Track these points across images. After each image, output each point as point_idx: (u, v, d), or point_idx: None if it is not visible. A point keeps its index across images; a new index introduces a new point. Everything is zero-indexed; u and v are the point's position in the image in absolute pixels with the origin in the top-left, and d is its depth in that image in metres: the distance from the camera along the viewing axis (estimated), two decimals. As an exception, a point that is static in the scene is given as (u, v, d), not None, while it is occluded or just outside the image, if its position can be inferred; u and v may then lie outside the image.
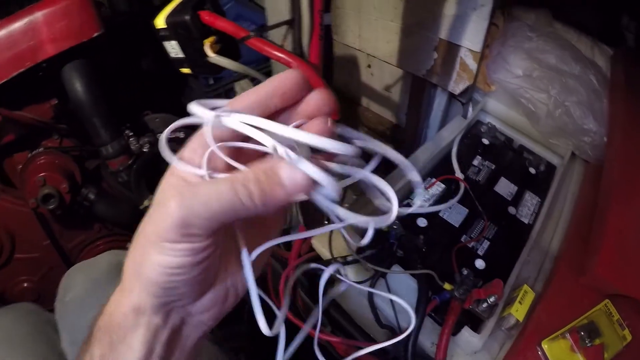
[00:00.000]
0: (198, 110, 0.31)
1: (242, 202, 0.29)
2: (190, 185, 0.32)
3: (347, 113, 1.74)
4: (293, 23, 0.83)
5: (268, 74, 0.95)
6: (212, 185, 0.29)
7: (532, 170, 1.15)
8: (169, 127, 0.35)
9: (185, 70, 0.89)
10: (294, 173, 0.29)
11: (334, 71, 1.70)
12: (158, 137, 1.33)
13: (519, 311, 0.77)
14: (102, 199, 1.30)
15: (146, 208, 1.23)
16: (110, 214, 1.33)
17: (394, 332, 0.82)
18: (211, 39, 0.80)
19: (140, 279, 0.31)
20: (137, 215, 1.35)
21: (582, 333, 0.73)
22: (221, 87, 1.64)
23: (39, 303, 0.94)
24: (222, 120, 0.30)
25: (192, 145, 0.34)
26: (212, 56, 0.80)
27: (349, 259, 0.86)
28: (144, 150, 1.29)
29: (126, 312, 0.32)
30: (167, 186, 0.34)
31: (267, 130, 0.30)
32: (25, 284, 1.33)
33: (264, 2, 0.94)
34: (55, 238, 1.32)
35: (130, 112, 1.38)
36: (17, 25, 1.01)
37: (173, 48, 0.85)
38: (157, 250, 0.30)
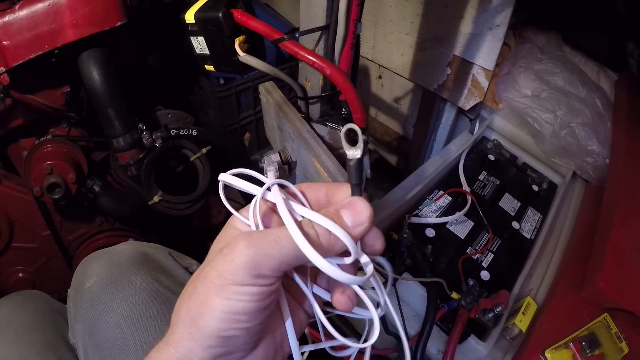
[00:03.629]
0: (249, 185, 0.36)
1: (307, 247, 0.30)
2: (258, 233, 0.32)
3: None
4: (327, 29, 0.84)
5: (291, 75, 0.96)
6: (279, 231, 0.31)
7: (535, 188, 1.19)
8: (223, 179, 0.37)
9: (209, 68, 0.90)
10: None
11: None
12: (172, 133, 1.34)
13: (522, 322, 0.81)
14: (107, 192, 1.29)
15: (155, 204, 1.27)
16: (114, 207, 1.32)
17: (399, 339, 0.84)
18: (241, 38, 0.81)
19: (196, 327, 0.31)
20: (141, 210, 1.35)
21: (584, 343, 0.76)
22: (232, 87, 1.65)
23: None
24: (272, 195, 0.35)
25: (248, 207, 0.36)
26: (242, 55, 0.80)
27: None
28: (156, 145, 1.29)
29: None
30: (225, 235, 0.36)
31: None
32: (21, 274, 1.29)
33: (286, 7, 0.95)
34: (55, 229, 1.29)
35: (143, 107, 1.39)
36: (40, 6, 0.97)
37: (199, 44, 0.86)
38: (222, 295, 0.30)
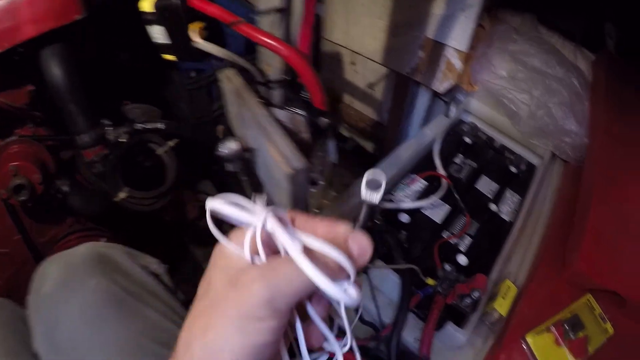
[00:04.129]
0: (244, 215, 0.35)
1: (320, 277, 0.31)
2: (269, 267, 0.33)
3: (328, 109, 1.72)
4: (284, 11, 0.81)
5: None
6: (291, 264, 0.32)
7: (513, 169, 1.16)
8: (212, 206, 0.36)
9: (169, 57, 0.87)
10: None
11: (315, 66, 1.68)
12: (136, 127, 1.29)
13: (502, 306, 0.77)
14: (75, 191, 1.23)
15: (121, 200, 1.23)
16: (83, 207, 1.26)
17: (375, 329, 0.81)
18: (199, 24, 0.78)
19: None
20: (110, 208, 1.29)
21: (566, 326, 0.73)
22: (203, 79, 1.60)
23: (8, 302, 0.89)
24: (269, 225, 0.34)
25: (237, 234, 0.36)
26: (198, 41, 0.77)
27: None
28: (121, 140, 1.24)
29: None
30: (215, 265, 0.36)
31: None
32: (-5, 282, 1.22)
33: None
34: (26, 232, 1.23)
35: (109, 103, 1.33)
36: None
37: (158, 33, 0.83)
38: (243, 331, 0.31)
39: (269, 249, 0.35)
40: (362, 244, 0.36)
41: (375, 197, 0.38)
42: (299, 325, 0.36)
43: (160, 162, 1.39)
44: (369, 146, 1.73)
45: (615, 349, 0.75)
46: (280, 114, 0.76)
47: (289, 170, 0.60)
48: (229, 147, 0.78)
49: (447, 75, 1.22)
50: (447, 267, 0.84)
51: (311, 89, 0.71)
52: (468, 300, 0.75)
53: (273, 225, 0.34)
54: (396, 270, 0.81)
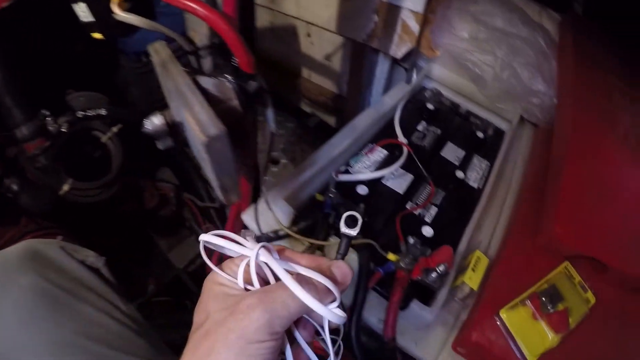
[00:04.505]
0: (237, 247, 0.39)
1: (311, 300, 0.36)
2: (265, 293, 0.36)
3: (287, 85, 1.64)
4: None
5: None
6: (285, 290, 0.36)
7: (480, 135, 1.08)
8: (206, 239, 0.40)
9: (97, 35, 0.84)
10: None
11: (271, 42, 1.59)
12: (79, 115, 1.21)
13: (472, 279, 0.69)
14: (25, 189, 1.16)
15: (65, 193, 1.19)
16: (34, 204, 1.19)
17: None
18: None
19: None
20: (61, 203, 1.22)
21: (544, 299, 0.65)
22: (149, 63, 1.50)
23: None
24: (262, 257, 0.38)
25: (228, 265, 0.40)
26: (119, 14, 0.68)
27: (281, 233, 0.74)
28: (63, 130, 1.17)
29: None
30: (210, 295, 0.39)
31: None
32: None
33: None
34: None
35: (53, 92, 1.24)
36: None
37: (83, 11, 0.80)
38: (242, 353, 0.33)
39: (260, 278, 0.39)
40: (343, 270, 0.41)
41: (353, 232, 0.43)
42: (288, 349, 0.39)
43: (106, 151, 1.31)
44: (331, 121, 1.65)
45: (598, 320, 0.67)
46: (207, 82, 0.66)
47: (204, 138, 0.50)
48: (152, 122, 0.68)
49: (404, 39, 1.14)
50: (411, 240, 0.75)
51: (236, 51, 0.63)
52: (434, 275, 0.66)
53: (266, 257, 0.38)
54: (353, 247, 0.72)
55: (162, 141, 0.70)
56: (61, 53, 1.39)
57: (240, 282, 0.39)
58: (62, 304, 0.65)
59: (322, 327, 0.40)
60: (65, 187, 1.19)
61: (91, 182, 1.25)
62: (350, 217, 0.44)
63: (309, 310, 0.37)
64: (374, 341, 0.79)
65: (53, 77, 1.33)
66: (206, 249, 0.41)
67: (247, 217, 0.80)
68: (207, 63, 0.86)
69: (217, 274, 0.40)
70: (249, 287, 0.39)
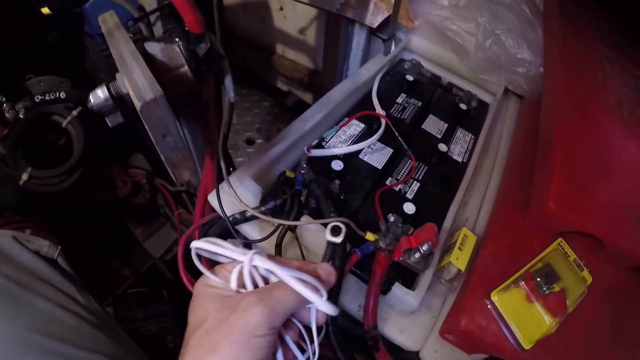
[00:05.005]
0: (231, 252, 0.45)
1: (301, 298, 0.42)
2: (263, 292, 0.42)
3: (261, 63, 1.57)
4: None
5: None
6: (283, 287, 0.42)
7: (463, 106, 1.02)
8: (197, 246, 0.46)
9: (45, 10, 0.84)
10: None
11: (242, 17, 1.51)
12: (37, 100, 1.16)
13: (459, 259, 0.62)
14: None
15: (25, 182, 1.14)
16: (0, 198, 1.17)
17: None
18: None
19: None
20: (24, 194, 1.18)
21: (539, 279, 0.58)
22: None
23: None
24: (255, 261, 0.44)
25: (221, 270, 0.46)
26: None
27: (248, 214, 0.67)
28: (21, 117, 1.12)
29: None
30: (205, 297, 0.43)
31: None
32: None
33: None
34: None
35: (11, 78, 1.18)
36: None
37: None
38: (246, 347, 0.38)
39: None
40: (327, 270, 0.48)
41: (337, 239, 0.50)
42: (279, 351, 0.43)
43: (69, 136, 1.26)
44: (308, 98, 1.59)
45: (597, 299, 0.62)
46: (155, 47, 0.58)
47: (139, 103, 0.42)
48: (96, 96, 0.59)
49: (379, 7, 1.06)
50: (392, 218, 0.68)
51: (180, 9, 0.55)
52: (417, 255, 0.59)
53: (261, 261, 0.43)
54: (325, 226, 0.65)
55: (111, 117, 0.62)
56: (22, 37, 1.31)
57: (233, 284, 0.44)
58: (14, 298, 0.62)
59: (308, 326, 0.46)
60: (24, 177, 1.13)
61: (51, 170, 1.18)
62: (335, 227, 0.52)
63: (301, 307, 0.44)
64: (356, 328, 0.74)
65: (11, 62, 1.25)
66: (196, 254, 0.47)
67: (213, 198, 0.72)
68: (158, 30, 0.78)
69: (209, 277, 0.45)
70: (241, 289, 0.44)
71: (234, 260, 0.45)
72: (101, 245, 1.43)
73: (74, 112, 1.21)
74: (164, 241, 1.52)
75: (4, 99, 1.09)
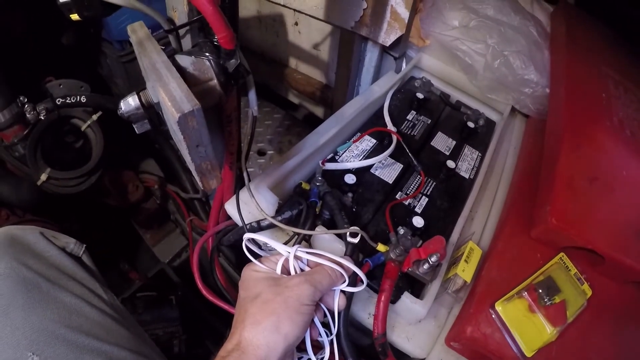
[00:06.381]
0: (278, 246, 0.57)
1: (333, 280, 0.54)
2: (308, 274, 0.54)
3: (274, 76, 1.61)
4: None
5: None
6: (321, 272, 0.54)
7: (471, 125, 1.05)
8: (250, 237, 0.61)
9: (74, 17, 0.81)
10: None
11: (257, 31, 1.55)
12: (58, 102, 1.18)
13: (465, 271, 0.65)
14: (4, 179, 1.16)
15: (44, 183, 1.16)
16: (14, 196, 1.18)
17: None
18: None
19: (281, 334, 0.48)
20: (40, 194, 1.20)
21: (540, 291, 0.62)
22: (133, 52, 1.45)
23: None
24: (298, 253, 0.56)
25: (266, 260, 0.57)
26: None
27: (264, 223, 0.71)
28: (41, 118, 1.14)
29: None
30: (257, 278, 0.54)
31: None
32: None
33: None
34: None
35: (30, 80, 1.20)
36: None
37: None
38: (297, 312, 0.49)
39: (285, 269, 0.56)
40: (348, 261, 0.56)
41: (355, 240, 0.62)
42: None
43: (87, 140, 1.29)
44: (319, 112, 1.63)
45: (595, 314, 0.65)
46: (186, 60, 0.62)
47: (177, 115, 0.46)
48: (127, 104, 0.63)
49: (393, 26, 1.10)
50: (401, 230, 0.71)
51: (213, 25, 0.58)
52: (425, 267, 0.62)
53: (305, 253, 0.55)
54: (338, 236, 0.68)
55: (139, 124, 0.66)
56: (43, 40, 1.36)
57: (279, 270, 0.55)
58: (41, 291, 0.63)
59: (332, 311, 0.56)
60: (43, 177, 1.16)
61: (70, 172, 1.21)
62: (353, 233, 0.61)
63: (332, 287, 0.55)
64: (364, 338, 0.77)
65: (33, 64, 1.29)
66: (246, 246, 0.60)
67: (230, 206, 0.76)
68: (187, 42, 0.82)
69: (257, 265, 0.56)
70: (283, 275, 0.55)
71: (278, 252, 0.57)
72: (111, 249, 1.46)
73: (94, 117, 1.24)
74: (173, 247, 1.55)
75: (26, 100, 1.11)
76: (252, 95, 0.69)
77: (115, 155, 1.38)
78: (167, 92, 0.50)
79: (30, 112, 1.11)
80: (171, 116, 0.48)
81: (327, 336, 0.57)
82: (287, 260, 0.56)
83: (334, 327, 0.57)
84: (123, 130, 1.34)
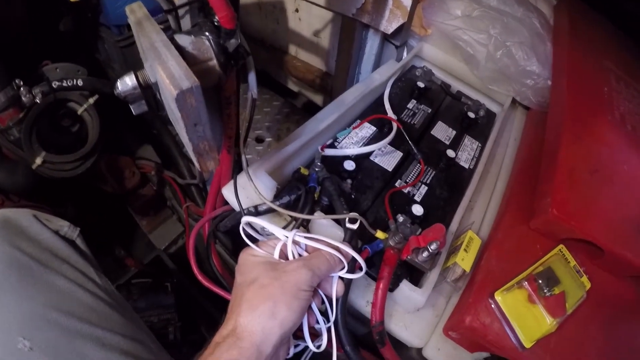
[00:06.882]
0: (277, 230, 0.56)
1: (332, 266, 0.54)
2: (306, 259, 0.53)
3: (274, 63, 1.60)
4: None
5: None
6: (319, 257, 0.53)
7: (472, 115, 1.04)
8: (248, 221, 0.61)
9: None
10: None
11: (257, 18, 1.53)
12: (54, 86, 1.15)
13: (465, 260, 0.65)
14: None
15: (39, 167, 1.15)
16: (9, 181, 1.16)
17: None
18: None
19: (277, 319, 0.47)
20: (36, 179, 1.18)
21: (540, 281, 0.61)
22: (131, 36, 1.42)
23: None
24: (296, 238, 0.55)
25: (263, 245, 0.56)
26: None
27: (262, 207, 0.70)
28: (37, 101, 1.12)
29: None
30: (254, 263, 0.53)
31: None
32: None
33: None
34: None
35: (27, 64, 1.19)
36: None
37: None
38: (295, 297, 0.49)
39: (282, 254, 0.55)
40: (347, 247, 0.56)
41: (354, 226, 0.60)
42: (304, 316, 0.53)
43: (83, 123, 1.27)
44: (318, 99, 1.61)
45: (593, 306, 0.64)
46: (185, 40, 0.60)
47: (175, 92, 0.45)
48: (124, 83, 0.62)
49: (395, 14, 1.08)
50: (401, 218, 0.70)
51: (214, 4, 0.56)
52: (425, 255, 0.62)
53: (303, 237, 0.55)
54: (337, 222, 0.68)
55: (136, 105, 0.64)
56: (41, 24, 1.33)
57: (276, 255, 0.54)
58: (33, 274, 0.62)
59: (329, 298, 0.56)
60: (38, 161, 1.15)
61: (66, 156, 1.20)
62: (352, 218, 0.60)
63: (329, 273, 0.54)
64: (361, 327, 0.76)
65: (30, 48, 1.27)
66: (244, 230, 0.59)
67: (227, 191, 0.75)
68: (186, 23, 0.80)
69: (254, 249, 0.55)
70: (281, 259, 0.54)
71: (276, 237, 0.56)
72: (106, 235, 1.45)
73: (91, 100, 1.22)
74: (169, 233, 1.54)
75: (22, 83, 1.09)
76: (252, 77, 0.68)
77: (111, 141, 1.36)
78: (165, 70, 0.49)
79: (25, 95, 1.09)
80: (169, 94, 0.47)
81: (325, 323, 0.56)
82: (285, 245, 0.55)
83: (332, 314, 0.56)
84: (120, 115, 1.33)
